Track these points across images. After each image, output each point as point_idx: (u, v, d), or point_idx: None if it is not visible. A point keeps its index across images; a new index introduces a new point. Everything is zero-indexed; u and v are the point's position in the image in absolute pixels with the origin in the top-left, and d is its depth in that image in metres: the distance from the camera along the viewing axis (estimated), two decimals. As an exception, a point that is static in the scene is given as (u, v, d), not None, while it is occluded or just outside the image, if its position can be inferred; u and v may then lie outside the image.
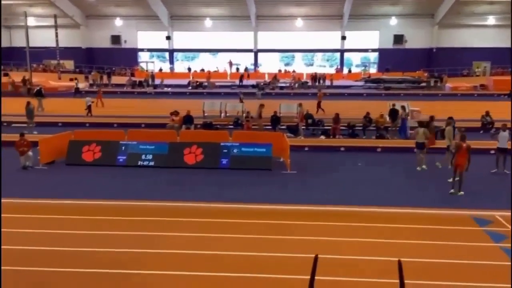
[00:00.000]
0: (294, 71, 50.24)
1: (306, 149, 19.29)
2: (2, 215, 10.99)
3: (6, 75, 44.09)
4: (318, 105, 27.40)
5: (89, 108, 26.69)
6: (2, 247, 9.12)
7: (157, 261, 8.63)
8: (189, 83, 43.36)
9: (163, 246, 9.28)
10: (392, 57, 51.94)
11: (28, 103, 23.36)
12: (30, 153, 16.19)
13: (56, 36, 46.13)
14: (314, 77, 44.04)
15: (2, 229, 10.02)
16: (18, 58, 50.44)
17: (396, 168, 16.48)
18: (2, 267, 8.12)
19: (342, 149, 19.36)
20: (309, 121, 22.77)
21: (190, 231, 10.10)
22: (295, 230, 10.26)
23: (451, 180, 13.39)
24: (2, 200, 12.19)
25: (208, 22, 52.84)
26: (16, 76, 41.10)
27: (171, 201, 12.25)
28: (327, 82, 42.54)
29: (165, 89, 41.63)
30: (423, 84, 42.43)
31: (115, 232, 10.03)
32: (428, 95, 37.87)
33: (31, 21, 45.32)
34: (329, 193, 13.53)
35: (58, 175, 15.67)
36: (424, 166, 16.00)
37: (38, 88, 32.39)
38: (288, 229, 10.30)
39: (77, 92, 36.21)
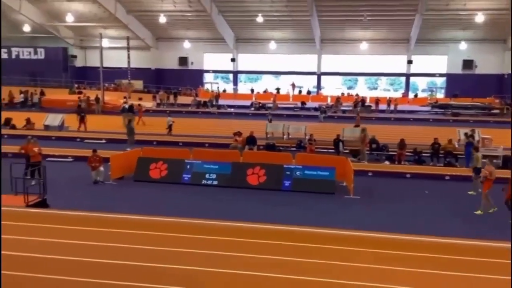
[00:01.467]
0: (357, 95, 49.73)
1: (370, 174, 18.95)
2: (73, 227, 11.52)
3: (80, 93, 46.49)
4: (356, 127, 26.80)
5: (169, 127, 27.38)
6: (75, 258, 9.53)
7: (219, 280, 8.70)
8: (252, 104, 43.91)
9: (224, 265, 9.34)
10: (461, 83, 50.27)
11: (129, 121, 24.35)
12: (101, 168, 16.91)
13: (128, 57, 48.27)
14: (377, 101, 43.33)
15: (73, 241, 10.49)
16: (91, 77, 53.16)
17: (464, 198, 15.83)
18: (76, 278, 8.47)
19: (408, 175, 18.85)
20: (373, 145, 22.38)
21: (252, 252, 10.12)
22: (356, 257, 10.04)
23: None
24: (74, 213, 12.79)
25: (272, 45, 53.53)
26: (89, 94, 43.21)
27: (235, 221, 12.34)
28: (391, 107, 41.72)
29: (228, 110, 42.36)
30: (495, 111, 40.70)
31: (180, 249, 10.21)
32: (499, 122, 36.28)
33: (105, 43, 47.71)
34: (393, 219, 13.17)
35: (126, 190, 16.26)
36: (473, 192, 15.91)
37: (129, 105, 34.05)
38: (350, 256, 10.09)
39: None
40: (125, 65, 48.39)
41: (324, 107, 40.56)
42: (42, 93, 43.16)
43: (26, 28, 50.01)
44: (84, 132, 27.54)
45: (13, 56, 47.47)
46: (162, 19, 46.37)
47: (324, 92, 54.43)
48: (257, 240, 10.91)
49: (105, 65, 43.97)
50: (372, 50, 52.47)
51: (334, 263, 9.61)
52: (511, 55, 44.74)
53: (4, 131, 26.74)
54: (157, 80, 55.42)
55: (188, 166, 17.62)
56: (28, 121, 28.61)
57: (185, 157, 18.26)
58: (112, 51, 51.29)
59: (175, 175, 17.42)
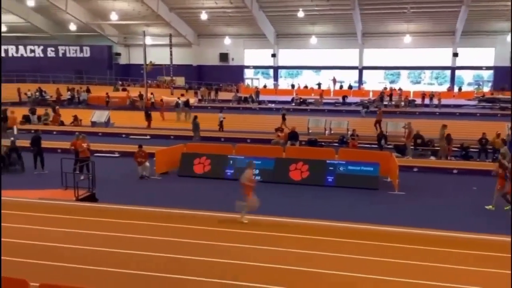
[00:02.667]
0: (400, 89, 48.77)
1: (415, 170, 18.58)
2: (121, 220, 11.81)
3: (124, 90, 47.57)
4: (377, 123, 26.21)
5: (221, 124, 27.45)
6: (123, 251, 9.78)
7: (257, 274, 8.73)
8: (292, 99, 43.78)
9: (263, 260, 9.36)
10: (509, 76, 48.51)
11: (195, 117, 24.67)
12: (147, 163, 17.26)
13: (171, 54, 49.02)
14: (423, 96, 42.31)
15: (121, 234, 10.76)
16: (135, 74, 54.26)
17: None
18: (125, 270, 8.70)
19: (455, 171, 18.37)
20: (418, 141, 21.90)
21: (294, 247, 10.10)
22: (398, 253, 9.86)
23: None
24: (121, 207, 13.12)
25: (313, 40, 53.13)
26: (133, 91, 44.15)
27: (278, 217, 12.35)
28: (435, 101, 40.68)
29: (269, 105, 42.38)
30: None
31: (221, 243, 10.31)
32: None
33: (148, 40, 48.57)
34: (440, 216, 12.87)
35: (171, 185, 16.54)
36: None
37: (185, 100, 34.77)
38: (391, 252, 9.92)
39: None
40: (167, 62, 49.16)
41: (366, 102, 40.00)
42: (88, 91, 44.38)
43: (72, 27, 51.49)
44: (148, 129, 27.98)
45: (60, 55, 48.94)
46: (204, 16, 46.78)
47: (366, 86, 53.67)
48: (295, 235, 10.89)
49: (148, 62, 44.78)
50: (415, 43, 51.28)
51: (413, 263, 9.48)
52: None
53: (52, 128, 27.71)
54: (198, 76, 56.06)
55: (231, 162, 17.75)
56: (75, 118, 29.50)
57: (228, 153, 18.40)
58: (154, 48, 52.16)
59: (218, 170, 17.58)
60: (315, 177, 16.58)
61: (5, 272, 7.44)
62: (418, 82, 57.61)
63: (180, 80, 53.70)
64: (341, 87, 52.93)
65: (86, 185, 14.16)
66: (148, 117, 29.16)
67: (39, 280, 6.73)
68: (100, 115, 29.83)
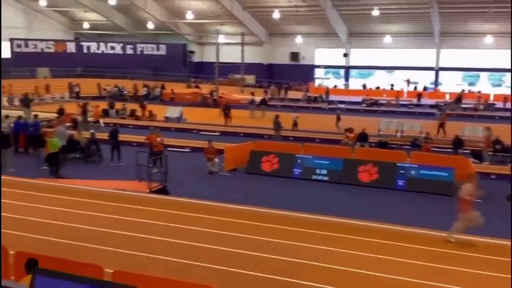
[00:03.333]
0: (479, 92, 46.47)
1: (493, 177, 17.66)
2: (191, 213, 12.12)
3: (197, 87, 48.73)
4: (441, 126, 24.77)
5: (295, 123, 27.17)
6: (193, 243, 10.03)
7: (324, 276, 8.65)
8: (363, 100, 42.97)
9: (329, 261, 9.26)
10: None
11: (277, 116, 24.72)
12: (216, 159, 17.61)
13: (242, 52, 49.61)
14: (505, 99, 40.03)
15: (190, 227, 11.04)
16: (207, 72, 55.42)
17: None
18: (197, 263, 8.93)
19: (538, 180, 17.24)
20: (497, 147, 20.79)
21: (362, 250, 9.92)
22: (475, 263, 9.42)
23: None
24: (191, 201, 13.46)
25: (387, 39, 51.82)
26: (205, 88, 45.11)
27: (346, 218, 12.18)
28: (507, 105, 38.31)
29: (339, 105, 41.85)
30: None
31: (288, 241, 10.31)
32: None
33: (221, 39, 49.45)
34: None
35: (238, 182, 16.77)
36: None
37: (262, 97, 35.56)
38: (467, 262, 9.49)
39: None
40: (239, 60, 49.80)
41: (442, 104, 38.49)
42: (162, 87, 45.85)
43: (150, 25, 53.41)
44: (227, 126, 28.21)
45: (138, 52, 50.89)
46: (276, 14, 46.93)
47: (442, 88, 51.62)
48: (363, 238, 10.68)
49: (220, 60, 45.62)
50: (497, 44, 48.64)
51: (430, 265, 9.11)
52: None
53: (128, 122, 28.94)
54: (268, 75, 56.33)
55: (299, 161, 17.73)
56: (150, 113, 30.60)
57: (296, 152, 18.39)
58: (227, 46, 52.99)
59: (286, 169, 17.62)
60: (384, 180, 16.21)
61: (81, 257, 7.88)
62: (499, 85, 54.61)
63: (250, 79, 54.21)
64: (415, 88, 51.26)
65: (159, 178, 14.66)
66: (227, 114, 29.32)
67: (113, 267, 7.05)
68: (173, 111, 30.76)
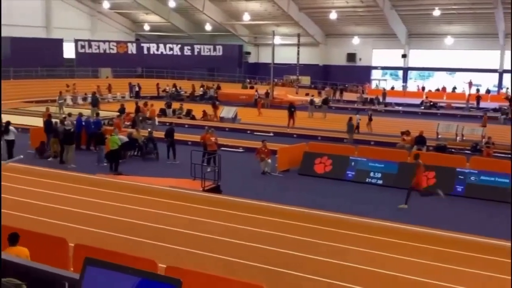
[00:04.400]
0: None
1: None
2: (243, 213, 12.23)
3: (252, 87, 49.10)
4: None
5: (357, 125, 26.20)
6: (243, 242, 10.13)
7: (371, 279, 8.48)
8: (422, 102, 41.81)
9: (382, 266, 9.07)
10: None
11: (350, 118, 24.15)
12: (269, 160, 17.67)
13: (298, 53, 49.53)
14: None
15: (243, 226, 11.14)
16: (262, 72, 55.71)
17: None
18: (246, 262, 9.02)
19: None
20: None
21: (418, 257, 9.66)
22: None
23: None
24: (243, 200, 13.57)
25: (448, 40, 50.15)
26: (260, 89, 45.32)
27: (401, 223, 11.91)
28: None
29: (396, 108, 40.92)
30: None
31: (337, 244, 10.20)
32: None
33: (276, 40, 49.56)
34: None
35: (291, 183, 16.76)
36: None
37: (323, 98, 35.67)
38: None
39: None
40: (294, 61, 49.73)
41: (506, 108, 36.82)
42: (218, 87, 46.55)
43: (208, 27, 54.35)
44: (291, 128, 27.48)
45: (195, 53, 51.88)
46: (333, 15, 46.51)
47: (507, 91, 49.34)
48: (434, 246, 10.39)
49: (275, 61, 45.73)
50: None
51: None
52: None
53: (184, 121, 29.57)
54: (324, 76, 55.89)
55: (353, 163, 17.48)
56: (205, 113, 31.14)
57: (350, 154, 18.15)
58: (282, 47, 53.06)
59: (339, 171, 17.43)
60: (442, 185, 15.62)
61: (136, 251, 8.14)
62: None
63: (305, 80, 54.04)
64: (477, 90, 49.32)
65: (212, 177, 14.90)
66: (291, 115, 28.32)
67: (166, 262, 7.24)
68: (228, 111, 31.13)
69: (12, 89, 37.10)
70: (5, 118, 20.05)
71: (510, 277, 8.63)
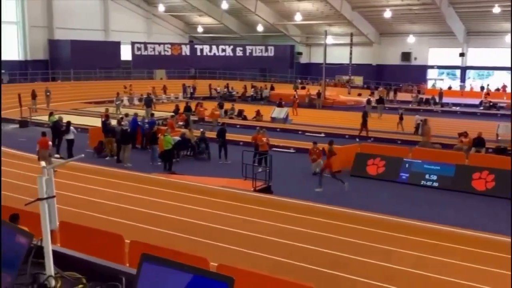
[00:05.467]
0: None
1: None
2: (293, 214, 12.19)
3: (303, 88, 48.92)
4: None
5: (418, 127, 25.50)
6: (291, 242, 10.11)
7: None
8: (481, 102, 40.27)
9: (436, 270, 8.80)
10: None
11: (425, 120, 23.35)
12: (320, 161, 17.53)
13: (350, 53, 48.88)
14: None
15: (292, 227, 11.11)
16: (314, 73, 55.37)
17: None
18: (294, 262, 9.01)
19: None
20: None
21: (472, 261, 9.32)
22: None
23: None
24: (294, 201, 13.54)
25: (508, 38, 48.02)
26: (311, 90, 45.09)
27: (456, 227, 11.53)
28: None
29: (453, 108, 39.62)
30: None
31: (386, 246, 9.99)
32: None
33: (329, 40, 49.11)
34: None
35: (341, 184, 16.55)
36: None
37: (378, 97, 35.50)
38: None
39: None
40: (346, 61, 49.14)
41: None
42: (272, 88, 46.75)
43: (260, 28, 54.59)
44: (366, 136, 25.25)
45: (247, 54, 52.28)
46: (387, 13, 45.57)
47: None
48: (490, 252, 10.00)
49: (327, 61, 45.34)
50: None
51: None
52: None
53: (236, 121, 29.83)
54: (377, 76, 54.85)
55: (407, 165, 17.07)
56: (257, 113, 31.28)
57: (404, 155, 17.73)
58: (334, 47, 52.53)
59: (392, 173, 17.07)
60: (502, 189, 15.06)
61: (187, 249, 8.28)
62: None
63: (358, 80, 53.26)
64: (541, 90, 46.97)
65: (263, 177, 14.95)
66: (365, 123, 25.24)
67: (218, 260, 7.33)
68: (279, 112, 31.14)
69: (72, 90, 38.76)
70: (65, 118, 20.96)
71: None
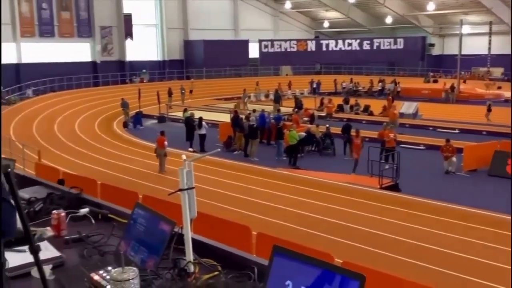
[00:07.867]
0: None
1: None
2: (423, 214, 11.64)
3: (435, 81, 46.33)
4: None
5: None
6: (417, 243, 9.66)
7: None
8: None
9: None
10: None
11: None
12: (454, 158, 16.53)
13: (489, 43, 45.21)
14: None
15: (421, 227, 10.61)
16: (448, 65, 52.11)
17: None
18: (419, 262, 8.63)
19: None
20: None
21: None
22: None
23: None
24: (423, 200, 12.92)
25: None
26: (447, 83, 42.50)
27: None
28: None
29: None
30: None
31: None
32: None
33: (465, 29, 45.90)
34: None
35: (478, 184, 15.42)
36: None
37: None
38: None
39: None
40: (484, 52, 45.54)
41: None
42: (395, 83, 44.94)
43: (388, 19, 52.78)
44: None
45: (374, 47, 50.78)
46: (534, -2, 41.36)
47: None
48: None
49: (463, 52, 42.42)
50: None
51: None
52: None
53: (362, 117, 29.22)
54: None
55: (556, 166, 15.39)
56: (384, 108, 30.31)
57: (552, 155, 16.00)
58: (471, 37, 48.93)
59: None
60: None
61: (310, 244, 8.32)
62: None
63: (497, 71, 49.06)
64: None
65: (390, 175, 14.49)
66: None
67: (342, 257, 7.27)
68: (408, 107, 29.89)
69: (204, 88, 40.93)
70: (197, 114, 22.21)
71: None
